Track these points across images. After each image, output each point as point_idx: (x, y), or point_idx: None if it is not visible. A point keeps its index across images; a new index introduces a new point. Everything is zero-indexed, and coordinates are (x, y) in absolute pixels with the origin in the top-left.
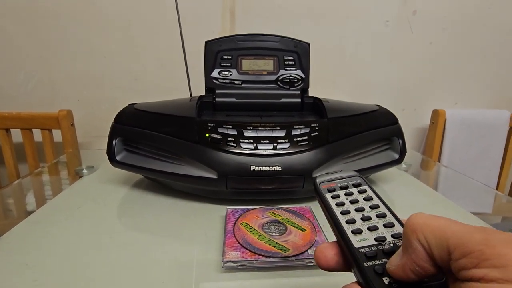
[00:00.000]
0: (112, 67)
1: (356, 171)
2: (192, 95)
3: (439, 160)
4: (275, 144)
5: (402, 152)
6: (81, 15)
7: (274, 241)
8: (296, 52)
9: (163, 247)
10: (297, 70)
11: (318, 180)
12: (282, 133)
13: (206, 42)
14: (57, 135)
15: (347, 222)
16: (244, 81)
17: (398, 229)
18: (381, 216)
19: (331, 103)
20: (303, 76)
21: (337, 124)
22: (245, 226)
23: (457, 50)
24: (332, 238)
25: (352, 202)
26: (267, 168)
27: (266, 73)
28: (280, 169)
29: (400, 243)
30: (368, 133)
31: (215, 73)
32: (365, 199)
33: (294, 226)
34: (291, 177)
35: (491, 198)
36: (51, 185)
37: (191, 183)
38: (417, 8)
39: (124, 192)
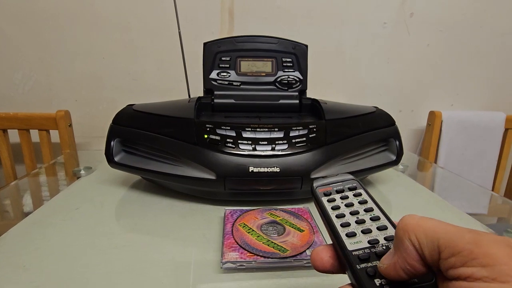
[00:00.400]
0: (111, 67)
1: (354, 172)
2: (191, 96)
3: (435, 161)
4: (273, 146)
5: (399, 153)
6: (79, 15)
7: (272, 242)
8: (295, 54)
9: (162, 248)
10: (295, 72)
11: (315, 184)
12: (280, 135)
13: (204, 44)
14: (54, 135)
15: (342, 225)
16: (243, 83)
17: (391, 231)
18: (375, 219)
19: (329, 105)
20: (301, 77)
21: (335, 126)
22: (243, 227)
23: (453, 52)
24: (329, 238)
25: (347, 205)
26: (266, 169)
27: (264, 74)
28: (278, 170)
29: (391, 245)
30: (365, 134)
31: (213, 74)
32: (360, 202)
33: (292, 227)
34: (289, 178)
35: (486, 199)
36: (48, 186)
37: (189, 184)
38: (414, 11)
39: (122, 193)
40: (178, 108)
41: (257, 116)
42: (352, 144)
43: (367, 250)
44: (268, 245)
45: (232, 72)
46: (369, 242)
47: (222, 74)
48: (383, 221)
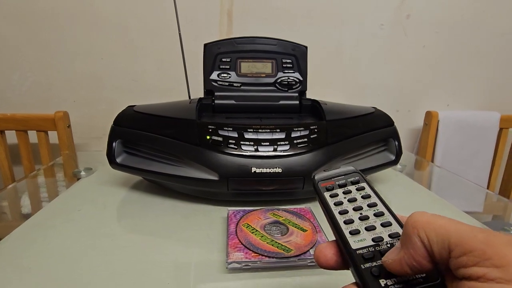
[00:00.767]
0: (110, 68)
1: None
2: (191, 97)
3: (432, 161)
4: (275, 146)
5: (398, 153)
6: (78, 15)
7: (276, 242)
8: (294, 55)
9: (165, 249)
10: (295, 73)
11: (316, 178)
12: (282, 135)
13: (205, 45)
14: (53, 136)
15: (345, 222)
16: (243, 84)
17: (395, 228)
18: (378, 215)
19: (329, 106)
20: (301, 78)
21: (335, 126)
22: (247, 227)
23: (449, 53)
24: (332, 237)
25: (350, 200)
26: (268, 170)
27: (264, 75)
28: (280, 171)
29: (396, 243)
30: (365, 135)
31: (214, 76)
32: (363, 197)
33: (295, 227)
34: (292, 179)
35: (482, 197)
36: (47, 187)
37: (192, 185)
38: (410, 13)
39: (123, 194)
40: (180, 109)
41: (258, 117)
42: (352, 144)
43: (371, 249)
44: (272, 245)
45: (233, 73)
46: (373, 240)
47: (222, 75)
48: (387, 216)
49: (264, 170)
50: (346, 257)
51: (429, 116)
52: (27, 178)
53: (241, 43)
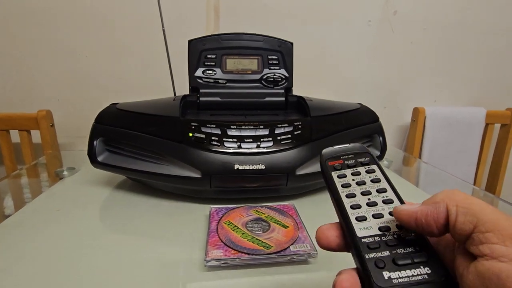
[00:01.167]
0: (94, 66)
1: None
2: (176, 95)
3: (420, 157)
4: (258, 143)
5: (383, 149)
6: (62, 13)
7: (257, 239)
8: (280, 52)
9: (147, 247)
10: (281, 69)
11: (324, 154)
12: (265, 132)
13: (189, 41)
14: (36, 136)
15: (352, 207)
16: (229, 80)
17: None
18: (387, 201)
19: (314, 102)
20: (287, 75)
21: (320, 123)
22: (228, 224)
23: (436, 49)
24: (336, 219)
25: (358, 183)
26: (251, 167)
27: (250, 72)
28: (263, 168)
29: (403, 235)
30: (350, 131)
31: (199, 72)
32: (373, 181)
33: (277, 224)
34: (275, 175)
35: (469, 193)
36: (30, 187)
37: (175, 183)
38: (397, 9)
39: (106, 194)
40: (163, 107)
41: (243, 114)
42: (337, 140)
43: (377, 238)
44: (252, 242)
45: (218, 70)
46: (379, 229)
47: (207, 72)
48: (396, 204)
49: (247, 167)
50: (349, 242)
51: (417, 112)
52: (9, 178)
53: (227, 39)
